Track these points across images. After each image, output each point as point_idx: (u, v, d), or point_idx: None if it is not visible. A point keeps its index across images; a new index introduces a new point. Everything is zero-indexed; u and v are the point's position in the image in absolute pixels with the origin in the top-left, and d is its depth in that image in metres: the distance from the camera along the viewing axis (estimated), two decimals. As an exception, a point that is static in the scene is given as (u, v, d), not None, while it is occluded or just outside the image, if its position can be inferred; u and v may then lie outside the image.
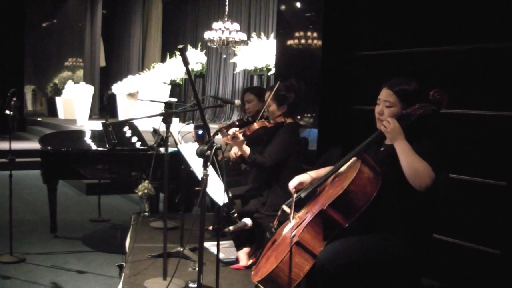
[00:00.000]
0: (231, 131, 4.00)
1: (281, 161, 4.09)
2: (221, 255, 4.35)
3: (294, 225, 3.05)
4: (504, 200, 3.96)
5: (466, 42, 4.25)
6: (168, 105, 4.07)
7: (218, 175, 3.17)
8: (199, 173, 3.13)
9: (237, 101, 4.61)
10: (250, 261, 4.15)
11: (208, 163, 2.71)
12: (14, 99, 5.27)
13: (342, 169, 3.08)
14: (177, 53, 14.79)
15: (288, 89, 4.21)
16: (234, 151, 4.42)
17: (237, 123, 4.60)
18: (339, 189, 2.84)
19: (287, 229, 3.12)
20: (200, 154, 2.72)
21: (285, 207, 3.20)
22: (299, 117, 5.28)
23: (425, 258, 2.95)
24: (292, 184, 3.31)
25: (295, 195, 3.23)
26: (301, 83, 4.27)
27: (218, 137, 4.76)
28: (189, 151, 3.56)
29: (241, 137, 3.98)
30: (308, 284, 2.96)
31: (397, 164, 2.80)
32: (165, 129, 3.78)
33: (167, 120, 3.72)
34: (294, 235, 2.91)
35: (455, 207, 4.14)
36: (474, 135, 4.19)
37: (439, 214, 3.04)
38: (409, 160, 2.75)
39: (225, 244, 4.62)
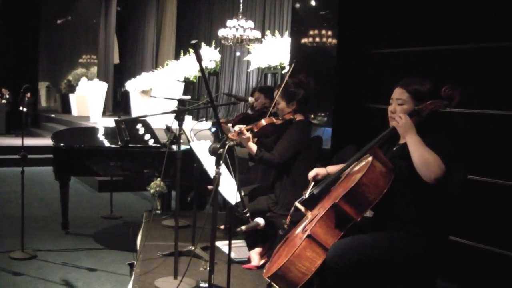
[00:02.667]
0: (237, 127, 3.94)
1: (290, 158, 4.03)
2: (233, 255, 4.30)
3: (307, 221, 3.01)
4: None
5: (483, 41, 4.19)
6: (181, 102, 4.03)
7: (231, 173, 3.13)
8: (211, 171, 3.09)
9: (251, 99, 4.58)
10: (262, 261, 4.10)
11: (221, 161, 2.66)
12: (28, 95, 5.28)
13: (354, 166, 3.06)
14: (191, 50, 14.80)
15: (297, 85, 4.15)
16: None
17: (241, 116, 4.57)
18: (351, 183, 2.83)
19: (300, 227, 3.09)
20: (212, 152, 2.68)
21: (297, 204, 3.17)
22: (312, 115, 5.24)
23: (440, 259, 2.91)
24: (311, 174, 3.41)
25: (309, 189, 3.22)
26: (310, 79, 4.20)
27: None
28: (202, 149, 3.52)
29: (247, 134, 3.93)
30: (321, 281, 2.92)
31: (410, 161, 2.79)
32: (177, 127, 3.74)
33: (179, 117, 3.68)
34: (306, 229, 2.88)
35: (472, 209, 4.07)
36: (493, 135, 4.13)
37: (454, 214, 2.98)
38: (419, 151, 2.75)
39: (237, 243, 4.57)
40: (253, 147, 3.97)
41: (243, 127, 3.95)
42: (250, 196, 4.22)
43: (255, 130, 4.02)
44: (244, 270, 4.08)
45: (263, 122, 4.06)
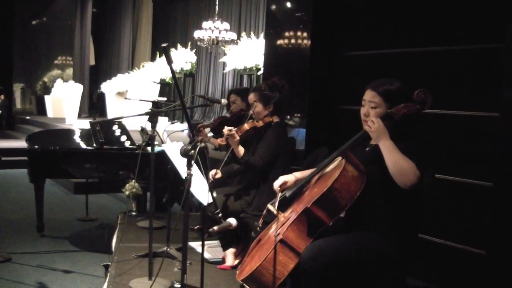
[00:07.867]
0: (226, 130, 3.98)
1: (271, 162, 4.09)
2: (208, 255, 4.35)
3: (279, 224, 3.05)
4: (490, 201, 3.97)
5: (451, 43, 4.27)
6: (155, 104, 4.05)
7: (203, 174, 3.16)
8: (183, 172, 3.12)
9: (224, 100, 4.60)
10: (237, 261, 4.15)
11: (192, 163, 2.70)
12: (2, 97, 5.25)
13: (327, 169, 3.08)
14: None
15: (271, 88, 4.22)
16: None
17: (219, 120, 4.61)
18: (323, 187, 2.84)
19: (272, 228, 3.13)
20: (184, 153, 2.71)
21: (270, 206, 3.20)
22: (288, 116, 5.28)
23: (411, 258, 2.96)
24: (277, 183, 3.31)
25: (279, 194, 3.23)
26: (284, 81, 4.27)
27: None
28: (174, 150, 3.54)
29: (237, 136, 3.98)
30: (293, 283, 2.96)
31: (382, 164, 2.81)
32: (151, 128, 3.77)
33: (152, 119, 3.71)
34: (278, 233, 2.91)
35: (441, 208, 4.16)
36: (462, 136, 4.21)
37: (424, 213, 3.04)
38: (393, 158, 2.76)
39: (212, 244, 4.61)
40: (241, 150, 4.03)
41: (233, 129, 4.00)
42: (229, 198, 4.25)
43: (239, 134, 4.07)
44: (219, 271, 4.11)
45: (246, 126, 4.11)
